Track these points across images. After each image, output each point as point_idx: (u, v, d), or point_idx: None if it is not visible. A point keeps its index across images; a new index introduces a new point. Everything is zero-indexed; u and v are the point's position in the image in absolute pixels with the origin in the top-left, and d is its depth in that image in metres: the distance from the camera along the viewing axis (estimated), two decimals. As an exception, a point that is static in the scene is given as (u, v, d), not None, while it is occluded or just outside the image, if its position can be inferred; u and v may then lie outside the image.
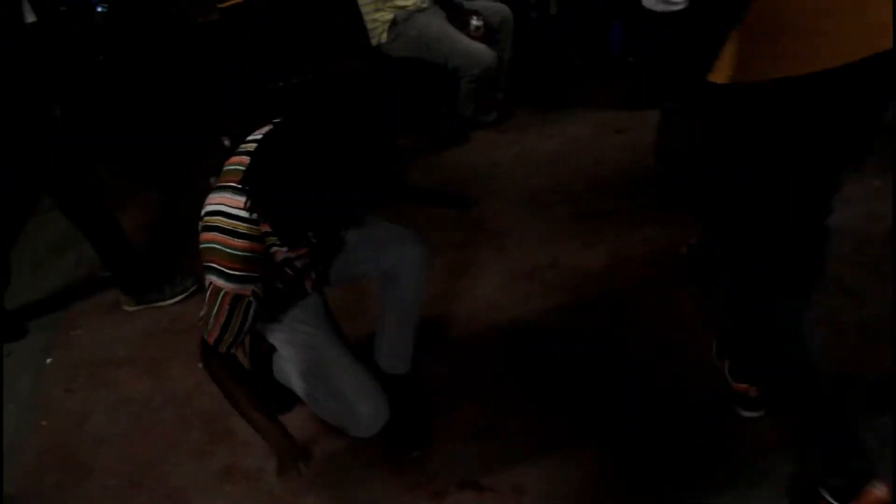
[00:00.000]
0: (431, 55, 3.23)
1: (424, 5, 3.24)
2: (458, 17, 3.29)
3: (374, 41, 3.27)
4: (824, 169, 1.37)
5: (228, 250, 1.42)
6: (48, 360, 2.53)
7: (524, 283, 2.46)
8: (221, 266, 1.43)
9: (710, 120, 1.37)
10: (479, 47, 3.21)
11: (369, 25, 3.24)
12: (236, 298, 1.45)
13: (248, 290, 1.46)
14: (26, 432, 2.20)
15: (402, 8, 3.19)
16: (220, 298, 1.45)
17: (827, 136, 1.32)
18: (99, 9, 2.88)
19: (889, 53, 1.23)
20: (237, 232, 1.42)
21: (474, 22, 3.26)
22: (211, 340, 1.50)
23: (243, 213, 1.42)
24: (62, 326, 2.71)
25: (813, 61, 1.24)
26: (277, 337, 1.78)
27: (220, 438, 2.05)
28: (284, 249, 1.55)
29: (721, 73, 1.33)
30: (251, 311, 1.49)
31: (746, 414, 1.81)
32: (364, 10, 3.20)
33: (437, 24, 3.23)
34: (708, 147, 1.39)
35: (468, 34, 3.26)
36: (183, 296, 2.70)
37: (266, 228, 1.46)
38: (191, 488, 1.92)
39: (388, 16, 3.19)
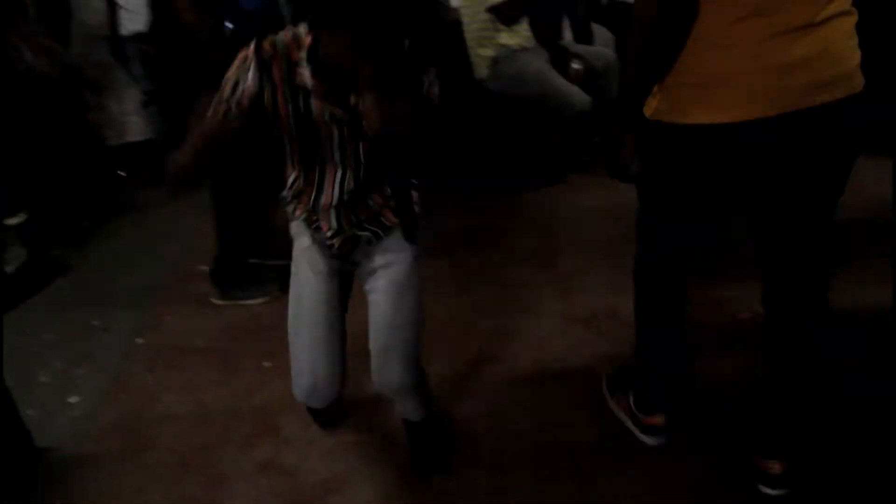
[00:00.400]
0: (528, 93, 3.31)
1: (528, 45, 3.34)
2: (561, 60, 3.36)
3: (476, 75, 3.40)
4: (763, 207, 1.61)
5: (272, 36, 1.52)
6: (139, 340, 2.79)
7: (579, 329, 2.49)
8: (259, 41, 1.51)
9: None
10: (574, 90, 3.26)
11: (473, 60, 3.37)
12: (245, 58, 1.51)
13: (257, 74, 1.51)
14: (105, 402, 2.44)
15: (506, 46, 3.30)
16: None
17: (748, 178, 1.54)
18: (228, 26, 3.09)
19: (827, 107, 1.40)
20: (283, 30, 1.53)
21: (574, 66, 3.32)
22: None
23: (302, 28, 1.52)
24: (157, 311, 2.98)
25: (723, 114, 1.44)
26: (294, 258, 1.82)
27: (265, 433, 2.20)
28: (309, 74, 1.51)
29: (648, 109, 1.57)
30: (245, 79, 1.50)
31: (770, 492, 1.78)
32: (469, 44, 3.34)
33: (538, 64, 3.32)
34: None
35: (568, 77, 3.32)
36: (265, 298, 2.90)
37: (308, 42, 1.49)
38: (232, 476, 2.07)
39: (491, 52, 3.31)
